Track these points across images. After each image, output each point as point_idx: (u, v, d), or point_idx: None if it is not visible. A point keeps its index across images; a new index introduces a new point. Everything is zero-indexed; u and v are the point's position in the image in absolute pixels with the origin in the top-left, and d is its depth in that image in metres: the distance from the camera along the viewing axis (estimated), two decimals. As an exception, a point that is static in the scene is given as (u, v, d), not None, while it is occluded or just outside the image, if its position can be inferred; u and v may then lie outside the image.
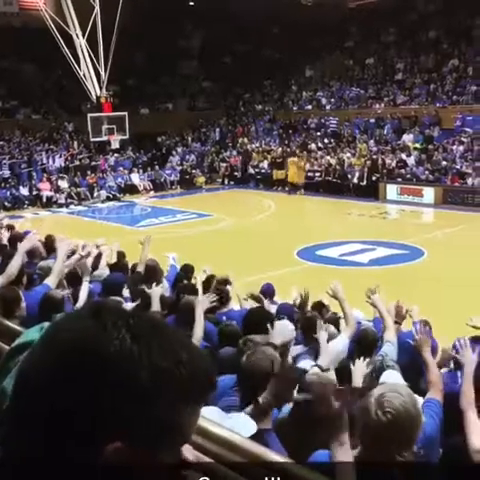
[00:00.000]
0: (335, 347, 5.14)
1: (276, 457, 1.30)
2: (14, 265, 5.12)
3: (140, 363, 0.81)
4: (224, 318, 6.07)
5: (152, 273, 7.20)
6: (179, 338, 0.89)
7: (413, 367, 4.47)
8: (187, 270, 8.48)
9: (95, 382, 0.79)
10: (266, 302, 6.61)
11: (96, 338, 0.82)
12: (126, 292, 6.79)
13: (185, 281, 7.61)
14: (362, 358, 3.90)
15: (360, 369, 3.82)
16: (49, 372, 0.82)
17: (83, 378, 0.80)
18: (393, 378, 3.79)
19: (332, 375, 4.19)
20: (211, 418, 1.78)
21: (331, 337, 5.36)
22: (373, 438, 2.40)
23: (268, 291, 7.60)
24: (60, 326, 0.87)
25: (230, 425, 2.27)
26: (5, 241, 8.40)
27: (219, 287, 6.84)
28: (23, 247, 5.48)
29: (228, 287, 7.19)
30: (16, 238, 7.94)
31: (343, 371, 4.19)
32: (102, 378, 0.80)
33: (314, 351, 5.00)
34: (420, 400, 3.30)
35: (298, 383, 3.07)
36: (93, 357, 0.81)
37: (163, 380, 0.82)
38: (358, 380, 3.76)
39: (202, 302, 5.09)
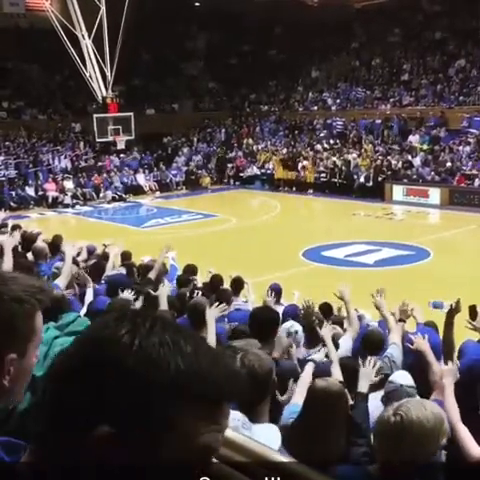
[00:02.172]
0: (340, 348, 5.15)
1: (276, 456, 1.30)
2: (6, 262, 5.17)
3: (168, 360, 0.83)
4: (226, 320, 6.06)
5: (158, 275, 7.21)
6: (199, 339, 0.91)
7: (418, 368, 4.45)
8: (190, 271, 8.48)
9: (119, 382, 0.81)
10: (271, 300, 6.56)
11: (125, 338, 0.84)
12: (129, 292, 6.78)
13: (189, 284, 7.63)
14: (369, 363, 3.87)
15: (367, 376, 3.79)
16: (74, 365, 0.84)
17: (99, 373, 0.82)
18: (402, 377, 3.77)
19: (336, 368, 4.22)
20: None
21: (336, 338, 5.37)
22: (382, 437, 2.47)
23: (276, 291, 7.53)
24: (97, 327, 0.90)
25: (257, 436, 2.25)
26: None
27: (222, 289, 6.85)
28: (8, 245, 5.51)
29: (246, 284, 7.26)
30: (28, 240, 8.01)
31: (348, 369, 4.19)
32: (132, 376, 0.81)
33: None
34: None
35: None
36: (114, 356, 0.83)
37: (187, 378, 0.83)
38: (365, 386, 3.74)
39: (213, 312, 5.09)
